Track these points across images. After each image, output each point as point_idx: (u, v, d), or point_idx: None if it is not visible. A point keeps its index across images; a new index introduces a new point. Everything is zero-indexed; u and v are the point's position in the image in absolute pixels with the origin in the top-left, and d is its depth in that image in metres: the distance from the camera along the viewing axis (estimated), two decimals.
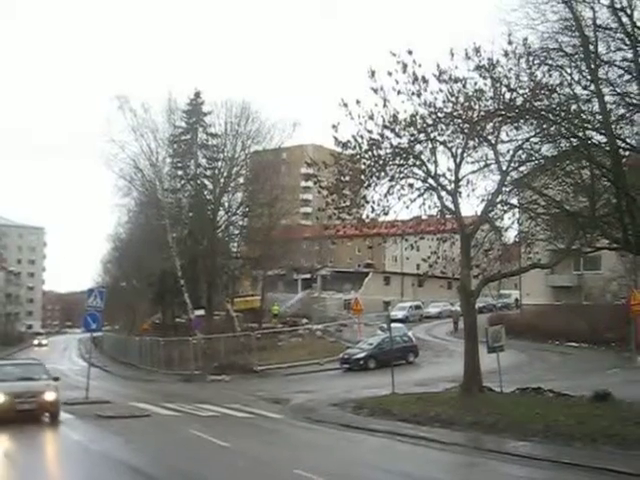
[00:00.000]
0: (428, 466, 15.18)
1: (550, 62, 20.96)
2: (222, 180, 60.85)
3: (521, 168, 23.94)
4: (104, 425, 22.37)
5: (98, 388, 32.87)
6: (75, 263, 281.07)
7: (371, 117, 22.90)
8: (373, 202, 23.78)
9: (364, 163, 23.82)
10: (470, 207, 27.06)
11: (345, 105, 22.64)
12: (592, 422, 16.79)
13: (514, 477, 13.63)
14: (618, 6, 19.67)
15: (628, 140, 21.15)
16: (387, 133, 23.19)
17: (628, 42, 19.91)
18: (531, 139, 22.57)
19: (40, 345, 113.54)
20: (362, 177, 23.86)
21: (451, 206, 24.32)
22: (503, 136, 23.23)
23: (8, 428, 19.80)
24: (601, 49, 20.50)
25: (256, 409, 25.61)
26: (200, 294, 59.62)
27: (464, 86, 22.57)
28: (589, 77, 20.48)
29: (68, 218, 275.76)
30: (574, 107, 20.96)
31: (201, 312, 55.81)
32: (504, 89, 21.97)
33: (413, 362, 41.39)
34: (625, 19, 19.75)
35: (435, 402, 22.54)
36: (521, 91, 21.70)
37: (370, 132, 23.10)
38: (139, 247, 68.28)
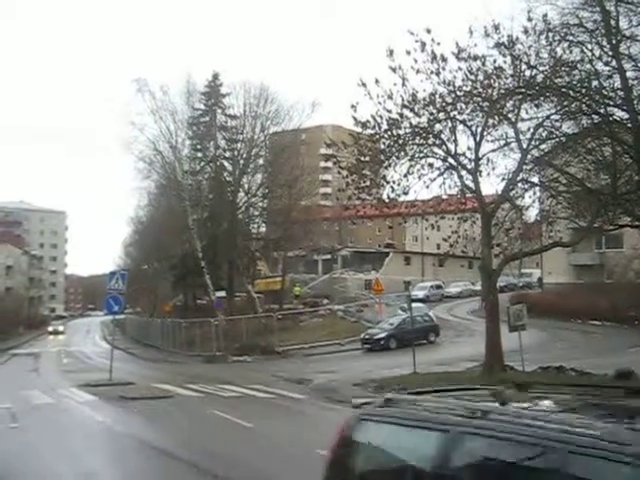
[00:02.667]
0: None
1: (570, 38, 20.79)
2: (242, 162, 60.85)
3: (542, 146, 23.79)
4: (128, 406, 22.59)
5: (121, 370, 33.14)
6: (97, 246, 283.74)
7: (390, 96, 22.83)
8: (393, 182, 23.78)
9: (383, 143, 23.77)
10: (490, 186, 27.08)
11: (364, 85, 22.61)
12: None
13: None
14: None
15: None
16: (406, 112, 23.14)
17: None
18: (552, 116, 22.43)
19: (56, 333, 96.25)
20: (382, 157, 23.82)
21: (471, 185, 24.23)
22: (523, 114, 23.12)
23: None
24: (622, 24, 20.32)
25: (278, 389, 25.71)
26: (221, 276, 59.84)
27: (483, 64, 22.44)
28: (610, 53, 20.28)
29: (89, 202, 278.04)
30: (595, 83, 20.78)
31: (222, 293, 55.98)
32: (524, 66, 21.82)
33: (434, 342, 41.34)
34: None
35: (456, 381, 22.51)
36: (541, 68, 21.55)
37: (389, 112, 23.07)
38: (160, 229, 68.60)
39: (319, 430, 17.97)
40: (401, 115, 23.14)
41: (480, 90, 22.72)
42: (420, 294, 64.28)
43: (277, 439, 15.75)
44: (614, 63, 20.27)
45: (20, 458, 13.97)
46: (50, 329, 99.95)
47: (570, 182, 23.72)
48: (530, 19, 21.04)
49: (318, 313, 56.64)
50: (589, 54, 20.75)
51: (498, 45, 21.87)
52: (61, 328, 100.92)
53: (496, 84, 22.47)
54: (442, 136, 23.96)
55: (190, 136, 63.85)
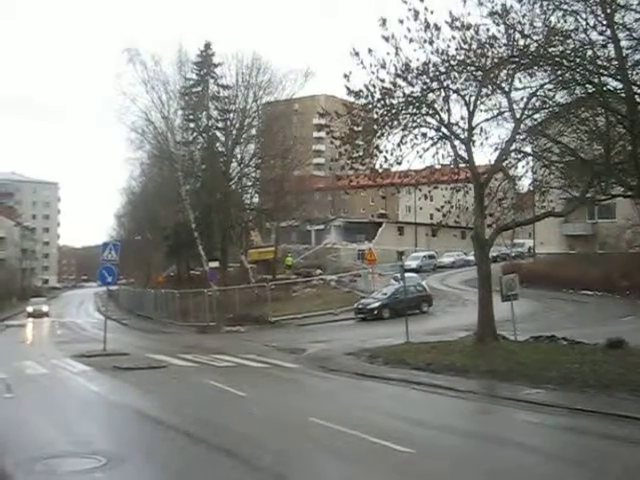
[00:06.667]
0: (443, 413, 15.34)
1: (565, 7, 20.58)
2: (234, 132, 60.67)
3: (535, 116, 23.69)
4: (122, 376, 22.65)
5: (115, 340, 33.24)
6: (89, 218, 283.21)
7: (383, 66, 22.64)
8: (386, 152, 23.66)
9: (377, 112, 23.64)
10: (484, 156, 26.98)
11: (357, 54, 22.39)
12: (606, 369, 16.86)
13: (528, 424, 13.74)
14: None
15: None
16: (399, 82, 22.95)
17: None
18: (545, 86, 22.29)
19: (38, 315, 68.86)
20: (375, 127, 23.68)
21: (464, 155, 24.16)
22: (517, 83, 22.95)
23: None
24: None
25: (271, 359, 25.84)
26: (214, 246, 59.88)
27: (477, 33, 22.20)
28: (605, 22, 20.12)
29: (81, 173, 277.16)
30: (589, 53, 20.64)
31: (215, 264, 56.09)
32: (518, 35, 21.61)
33: (427, 311, 41.54)
34: None
35: (449, 351, 22.68)
36: (535, 37, 21.34)
37: (382, 81, 22.87)
38: (153, 200, 68.61)
39: (312, 399, 18.16)
40: (394, 84, 22.98)
41: (473, 59, 22.56)
42: (413, 264, 64.47)
43: (271, 407, 15.85)
44: (608, 32, 20.11)
45: (16, 427, 14.02)
46: (29, 309, 71.99)
47: (563, 152, 23.68)
48: None
49: (311, 283, 56.84)
50: (583, 23, 20.56)
51: (492, 14, 21.65)
52: (45, 308, 72.78)
53: (490, 53, 22.30)
54: (435, 105, 23.82)
55: (182, 106, 63.65)
